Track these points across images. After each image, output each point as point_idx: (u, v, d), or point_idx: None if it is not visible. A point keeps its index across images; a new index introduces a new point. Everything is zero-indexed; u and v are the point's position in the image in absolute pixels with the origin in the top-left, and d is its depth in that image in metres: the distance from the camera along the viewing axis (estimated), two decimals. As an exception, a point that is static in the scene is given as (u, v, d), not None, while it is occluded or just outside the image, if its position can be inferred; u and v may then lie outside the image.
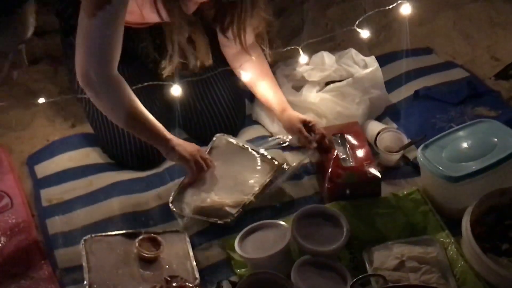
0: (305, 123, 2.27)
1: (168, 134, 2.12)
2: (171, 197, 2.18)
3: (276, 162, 2.25)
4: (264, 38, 2.33)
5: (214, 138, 2.36)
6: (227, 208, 2.16)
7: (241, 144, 2.34)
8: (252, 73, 2.36)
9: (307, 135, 2.26)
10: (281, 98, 2.36)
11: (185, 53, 2.15)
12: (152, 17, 2.06)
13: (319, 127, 2.28)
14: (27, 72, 2.71)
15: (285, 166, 2.26)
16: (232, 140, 2.36)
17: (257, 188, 2.20)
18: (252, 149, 2.31)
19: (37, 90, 2.46)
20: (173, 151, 2.11)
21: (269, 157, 2.28)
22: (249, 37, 2.26)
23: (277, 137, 2.39)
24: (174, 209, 2.15)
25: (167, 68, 2.19)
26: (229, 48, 2.37)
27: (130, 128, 2.11)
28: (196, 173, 2.17)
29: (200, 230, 2.14)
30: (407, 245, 2.00)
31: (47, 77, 2.73)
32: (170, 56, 2.14)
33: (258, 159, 2.28)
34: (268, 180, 2.22)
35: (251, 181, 2.23)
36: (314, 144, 2.24)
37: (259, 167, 2.27)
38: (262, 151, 2.30)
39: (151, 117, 2.08)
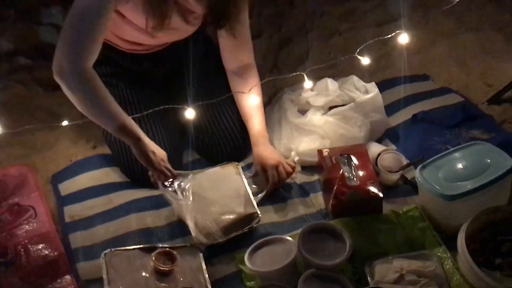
0: (264, 168, 2.30)
1: (138, 130, 2.06)
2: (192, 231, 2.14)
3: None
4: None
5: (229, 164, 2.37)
6: (248, 214, 2.19)
7: (243, 179, 2.33)
8: (244, 106, 2.37)
9: (264, 177, 2.30)
10: (257, 132, 2.35)
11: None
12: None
13: (275, 173, 2.28)
14: (52, 97, 2.73)
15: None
16: (239, 171, 2.36)
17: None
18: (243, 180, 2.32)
19: (61, 113, 2.47)
20: (140, 150, 2.05)
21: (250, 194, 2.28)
22: (244, 51, 2.30)
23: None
24: (201, 241, 2.13)
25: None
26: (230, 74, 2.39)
27: (102, 123, 2.06)
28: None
29: (212, 245, 2.13)
30: (407, 259, 2.00)
31: (70, 101, 2.73)
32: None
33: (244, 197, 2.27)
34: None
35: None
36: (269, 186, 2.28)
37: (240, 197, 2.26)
38: (248, 188, 2.30)
39: (124, 115, 2.03)
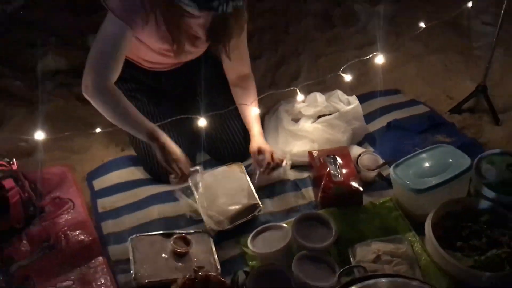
0: (260, 151, 2.29)
1: (166, 140, 2.06)
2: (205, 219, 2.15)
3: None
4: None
5: (233, 164, 2.38)
6: (251, 205, 2.20)
7: (246, 177, 2.33)
8: (246, 115, 2.37)
9: (257, 159, 2.29)
10: (253, 127, 2.35)
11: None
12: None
13: (268, 155, 2.28)
14: (87, 109, 2.74)
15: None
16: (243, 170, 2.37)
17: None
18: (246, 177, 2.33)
19: (94, 122, 2.46)
20: (160, 149, 2.04)
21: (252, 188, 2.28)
22: (242, 63, 2.29)
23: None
24: (212, 228, 2.12)
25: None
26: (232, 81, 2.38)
27: (131, 131, 2.08)
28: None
29: (220, 231, 2.13)
30: (382, 242, 1.99)
31: (101, 112, 2.75)
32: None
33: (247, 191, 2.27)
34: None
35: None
36: (261, 167, 2.29)
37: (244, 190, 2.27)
38: (250, 183, 2.30)
39: (142, 117, 2.04)
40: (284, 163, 2.36)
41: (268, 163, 2.28)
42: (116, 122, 2.03)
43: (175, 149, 2.08)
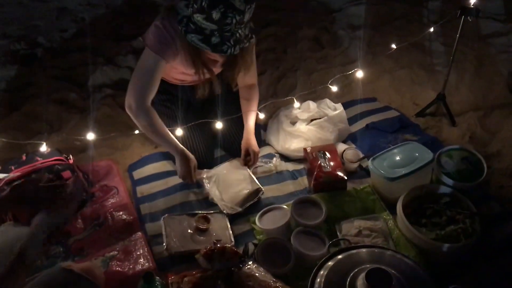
0: (247, 153, 2.31)
1: (180, 146, 2.12)
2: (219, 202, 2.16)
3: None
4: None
5: (234, 160, 2.38)
6: (255, 189, 2.19)
7: (245, 169, 2.33)
8: (243, 105, 2.35)
9: (243, 157, 2.31)
10: (248, 125, 2.32)
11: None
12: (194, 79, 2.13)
13: (252, 154, 2.29)
14: (127, 115, 2.74)
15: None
16: (239, 161, 2.36)
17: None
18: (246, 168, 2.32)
19: (134, 125, 2.45)
20: (181, 160, 2.12)
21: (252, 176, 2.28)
22: (249, 77, 2.26)
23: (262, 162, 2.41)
24: (228, 212, 2.13)
25: (200, 94, 2.21)
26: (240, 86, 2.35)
27: (160, 144, 2.15)
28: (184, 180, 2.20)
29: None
30: (363, 220, 1.99)
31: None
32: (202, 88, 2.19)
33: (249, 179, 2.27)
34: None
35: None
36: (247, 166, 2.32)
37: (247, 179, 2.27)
38: (250, 172, 2.30)
39: (170, 135, 2.10)
40: (274, 161, 2.38)
41: (253, 162, 2.31)
42: (149, 135, 2.11)
43: (192, 157, 2.15)
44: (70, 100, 2.86)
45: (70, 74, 3.06)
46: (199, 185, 2.26)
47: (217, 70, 2.17)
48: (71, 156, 2.19)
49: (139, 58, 2.01)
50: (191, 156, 2.15)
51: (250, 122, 2.32)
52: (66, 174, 2.08)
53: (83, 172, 2.23)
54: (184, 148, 2.14)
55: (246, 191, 2.19)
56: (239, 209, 2.13)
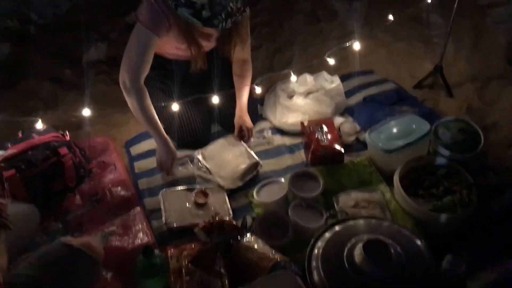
0: (241, 129, 2.30)
1: (163, 135, 2.09)
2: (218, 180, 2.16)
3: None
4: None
5: (230, 136, 2.36)
6: (253, 163, 2.19)
7: (242, 144, 2.32)
8: (236, 81, 2.32)
9: (237, 134, 2.31)
10: (242, 102, 2.31)
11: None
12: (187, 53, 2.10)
13: (246, 130, 2.30)
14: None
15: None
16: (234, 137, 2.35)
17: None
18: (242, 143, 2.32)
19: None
20: (162, 148, 2.11)
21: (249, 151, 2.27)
22: (243, 52, 2.23)
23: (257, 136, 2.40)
24: (228, 187, 2.13)
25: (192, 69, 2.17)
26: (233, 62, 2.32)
27: (144, 125, 2.09)
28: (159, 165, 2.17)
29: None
30: (360, 192, 2.01)
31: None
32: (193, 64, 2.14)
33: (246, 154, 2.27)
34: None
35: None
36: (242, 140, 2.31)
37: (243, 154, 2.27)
38: (246, 147, 2.30)
39: (157, 119, 2.06)
40: (265, 134, 2.39)
41: (247, 137, 2.31)
42: (135, 115, 2.06)
43: (174, 149, 2.13)
44: (65, 77, 2.84)
45: (64, 51, 3.03)
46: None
47: (211, 44, 2.15)
48: (67, 133, 2.19)
49: (131, 33, 1.99)
50: (173, 148, 2.13)
51: (243, 99, 2.30)
52: (63, 150, 2.08)
53: (80, 149, 2.23)
54: (168, 138, 2.11)
55: (244, 166, 2.19)
56: (239, 183, 2.14)
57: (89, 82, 2.77)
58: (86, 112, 2.09)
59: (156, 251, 1.55)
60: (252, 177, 2.18)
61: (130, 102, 2.02)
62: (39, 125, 2.11)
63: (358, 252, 1.49)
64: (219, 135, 2.40)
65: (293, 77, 2.36)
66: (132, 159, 2.34)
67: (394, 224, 1.69)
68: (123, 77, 1.98)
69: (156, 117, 2.07)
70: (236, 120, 2.31)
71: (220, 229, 1.78)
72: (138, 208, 2.03)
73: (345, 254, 1.52)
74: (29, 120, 2.17)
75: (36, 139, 2.07)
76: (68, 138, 2.17)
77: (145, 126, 2.10)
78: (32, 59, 2.94)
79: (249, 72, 2.31)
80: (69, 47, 3.05)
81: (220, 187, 2.13)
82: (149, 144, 2.39)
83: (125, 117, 2.54)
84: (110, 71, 2.86)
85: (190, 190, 2.10)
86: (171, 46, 2.14)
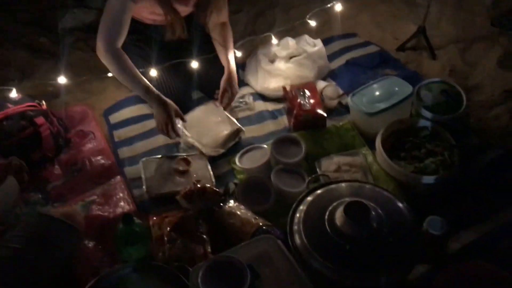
0: (225, 90, 2.22)
1: (155, 91, 1.98)
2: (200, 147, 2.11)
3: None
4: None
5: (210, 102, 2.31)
6: (235, 130, 2.16)
7: (221, 110, 2.26)
8: (219, 43, 2.26)
9: (221, 96, 2.22)
10: (230, 67, 2.23)
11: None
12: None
13: (230, 93, 2.22)
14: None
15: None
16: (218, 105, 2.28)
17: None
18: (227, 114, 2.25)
19: (107, 69, 2.41)
20: (157, 106, 1.98)
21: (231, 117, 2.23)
22: (221, 15, 2.20)
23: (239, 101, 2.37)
24: (210, 154, 2.09)
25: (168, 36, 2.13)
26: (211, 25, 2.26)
27: (131, 87, 2.02)
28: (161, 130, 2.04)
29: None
30: (342, 156, 2.00)
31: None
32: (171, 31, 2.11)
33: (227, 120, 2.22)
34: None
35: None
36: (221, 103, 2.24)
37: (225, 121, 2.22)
38: (227, 113, 2.24)
39: (143, 78, 1.98)
40: (247, 99, 2.36)
41: (229, 102, 2.24)
42: (120, 79, 2.01)
43: (169, 100, 2.02)
44: (40, 45, 2.76)
45: (39, 18, 2.94)
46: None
47: (189, 9, 2.10)
48: (43, 102, 2.14)
49: (107, 2, 1.94)
50: (171, 104, 2.01)
51: (231, 61, 2.24)
52: (40, 120, 2.04)
53: (57, 118, 2.18)
54: (161, 95, 2.00)
55: (226, 132, 2.16)
56: (222, 151, 2.12)
57: (66, 49, 2.70)
58: (63, 80, 2.04)
59: (136, 219, 1.53)
60: (234, 144, 2.16)
61: (110, 66, 1.97)
62: (14, 94, 2.06)
63: (339, 214, 1.49)
64: (200, 102, 2.36)
65: (274, 41, 2.32)
66: (112, 127, 2.30)
67: (376, 187, 1.69)
68: (98, 45, 1.94)
69: (142, 76, 1.99)
70: (223, 82, 2.24)
71: (201, 196, 1.78)
72: (118, 177, 2.01)
73: (326, 217, 1.52)
74: (3, 89, 2.12)
75: (11, 109, 2.03)
76: (44, 107, 2.12)
77: (133, 89, 2.04)
78: (5, 27, 2.85)
79: (230, 34, 2.27)
80: (44, 14, 2.96)
81: (202, 154, 2.11)
82: (129, 111, 2.35)
83: (104, 85, 2.49)
84: (87, 38, 2.78)
85: (171, 158, 2.08)
86: (147, 11, 2.09)
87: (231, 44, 2.26)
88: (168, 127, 2.00)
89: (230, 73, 2.23)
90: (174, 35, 2.10)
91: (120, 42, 1.96)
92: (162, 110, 1.98)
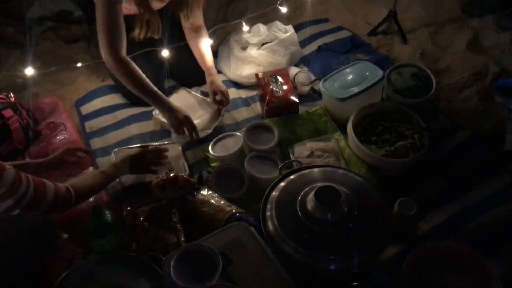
0: (215, 94, 2.20)
1: (165, 99, 2.01)
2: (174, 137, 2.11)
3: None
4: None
5: (180, 89, 2.32)
6: (215, 110, 2.18)
7: (194, 93, 2.29)
8: (196, 47, 2.27)
9: (214, 99, 2.20)
10: (208, 66, 2.25)
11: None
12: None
13: (221, 94, 2.19)
14: (71, 48, 2.63)
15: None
16: (189, 91, 2.31)
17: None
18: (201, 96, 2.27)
19: (78, 59, 2.38)
20: (169, 112, 2.00)
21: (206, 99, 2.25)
22: (197, 18, 2.19)
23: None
24: (179, 140, 2.09)
25: (139, 35, 2.13)
26: (186, 29, 2.29)
27: (138, 93, 1.99)
28: (179, 133, 2.05)
29: (187, 141, 2.11)
30: (315, 141, 2.01)
31: (83, 50, 2.64)
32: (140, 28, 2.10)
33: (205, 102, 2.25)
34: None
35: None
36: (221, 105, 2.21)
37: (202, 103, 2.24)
38: (203, 96, 2.26)
39: (152, 86, 1.98)
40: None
41: (225, 102, 2.21)
42: (135, 91, 1.98)
43: (184, 111, 2.03)
44: (7, 35, 2.70)
45: (5, 7, 2.87)
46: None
47: (162, 3, 2.09)
48: (11, 94, 2.10)
49: (96, 11, 1.89)
50: (182, 112, 2.02)
51: (209, 63, 2.25)
52: (8, 112, 2.00)
53: (26, 110, 2.15)
54: (172, 103, 2.01)
55: (208, 114, 2.17)
56: (209, 131, 2.11)
57: (34, 40, 2.65)
58: (29, 70, 2.00)
59: (106, 210, 1.53)
60: (218, 123, 2.16)
61: (119, 77, 1.96)
62: (-21, 87, 2.02)
63: (310, 199, 1.51)
64: (172, 90, 2.35)
65: (246, 27, 2.31)
66: (83, 118, 2.28)
67: (348, 172, 1.71)
68: (105, 57, 1.92)
69: (153, 86, 1.98)
70: (209, 86, 2.23)
71: (174, 185, 1.78)
72: (91, 168, 1.99)
73: (298, 202, 1.54)
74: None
75: (-23, 102, 1.99)
76: (12, 99, 2.09)
77: (144, 99, 2.00)
78: (-30, 17, 2.79)
79: (206, 35, 2.26)
80: (10, 3, 2.89)
81: (173, 142, 2.10)
82: (100, 102, 2.33)
83: (74, 75, 2.46)
84: (56, 28, 2.74)
85: (144, 147, 2.06)
86: (127, 4, 2.05)
87: (207, 45, 2.26)
88: (188, 126, 2.02)
89: (210, 75, 2.24)
90: (145, 34, 2.11)
91: (124, 48, 1.93)
92: (176, 121, 2.01)
